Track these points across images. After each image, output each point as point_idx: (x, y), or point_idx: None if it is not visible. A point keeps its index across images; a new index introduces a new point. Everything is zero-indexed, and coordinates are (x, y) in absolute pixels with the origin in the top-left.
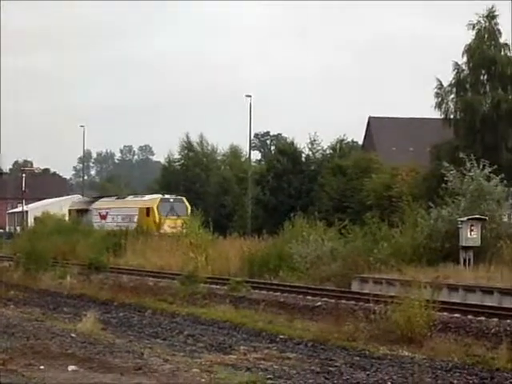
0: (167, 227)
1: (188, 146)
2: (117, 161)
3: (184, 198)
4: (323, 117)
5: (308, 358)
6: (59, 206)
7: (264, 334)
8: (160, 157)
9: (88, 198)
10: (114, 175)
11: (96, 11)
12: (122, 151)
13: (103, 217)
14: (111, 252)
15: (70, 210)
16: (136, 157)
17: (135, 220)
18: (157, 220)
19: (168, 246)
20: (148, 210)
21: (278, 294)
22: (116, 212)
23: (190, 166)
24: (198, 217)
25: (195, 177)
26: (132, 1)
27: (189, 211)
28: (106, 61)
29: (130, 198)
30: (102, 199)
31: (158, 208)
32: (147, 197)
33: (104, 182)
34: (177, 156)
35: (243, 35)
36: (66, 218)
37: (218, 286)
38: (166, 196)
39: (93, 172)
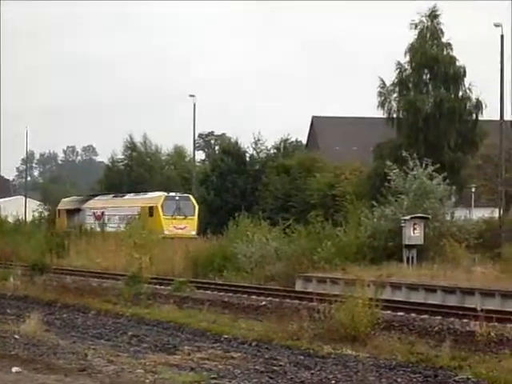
0: (173, 228)
1: (131, 146)
2: (60, 161)
3: (191, 196)
4: (268, 116)
5: (252, 358)
6: (2, 208)
7: (208, 334)
8: (104, 157)
9: (80, 197)
10: (56, 176)
11: (43, 11)
12: (65, 152)
13: (98, 217)
14: (54, 253)
15: (59, 210)
16: (79, 157)
17: (136, 220)
18: (161, 220)
19: (112, 247)
20: (151, 210)
21: (223, 293)
22: (113, 212)
23: (134, 166)
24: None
25: (139, 177)
26: (80, 1)
27: (196, 210)
28: (49, 61)
29: (129, 196)
30: (97, 198)
31: (162, 207)
32: (150, 194)
33: (47, 183)
34: (120, 156)
35: (191, 35)
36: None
37: (162, 287)
38: (171, 194)
39: (36, 173)
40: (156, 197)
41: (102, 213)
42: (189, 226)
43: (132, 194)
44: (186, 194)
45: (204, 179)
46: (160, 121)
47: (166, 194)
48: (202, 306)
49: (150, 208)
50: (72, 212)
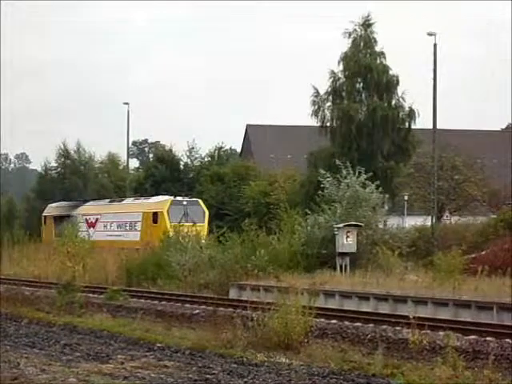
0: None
1: (65, 154)
2: None
3: (200, 201)
4: (202, 124)
5: (186, 366)
6: None
7: (141, 343)
8: (37, 165)
9: (70, 202)
10: None
11: None
12: None
13: (91, 224)
14: None
15: (45, 217)
16: (12, 165)
17: (138, 228)
18: (168, 228)
19: (45, 255)
20: (155, 216)
21: (156, 302)
22: (110, 218)
23: (67, 174)
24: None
25: (72, 185)
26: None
27: (206, 216)
28: None
29: (128, 200)
30: (90, 203)
31: (168, 212)
32: (153, 199)
33: None
34: (53, 164)
35: (127, 41)
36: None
37: (95, 295)
38: (178, 198)
39: None
40: (161, 201)
41: (96, 220)
42: (198, 234)
43: (131, 199)
44: (195, 199)
45: (138, 187)
46: (94, 128)
47: (172, 197)
48: (135, 315)
49: (154, 214)
50: (61, 219)
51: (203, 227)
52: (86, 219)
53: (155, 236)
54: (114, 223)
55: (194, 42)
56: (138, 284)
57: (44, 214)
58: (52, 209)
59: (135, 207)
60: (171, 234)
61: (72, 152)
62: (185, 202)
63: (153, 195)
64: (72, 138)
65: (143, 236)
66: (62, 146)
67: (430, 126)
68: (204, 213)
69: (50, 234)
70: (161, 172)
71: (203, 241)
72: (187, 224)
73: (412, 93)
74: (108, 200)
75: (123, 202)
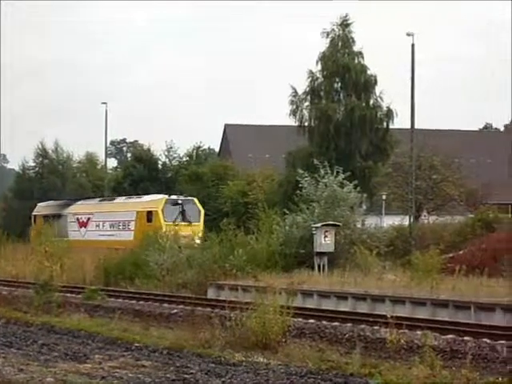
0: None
1: (43, 154)
2: None
3: (195, 199)
4: (180, 124)
5: (163, 366)
6: None
7: (119, 343)
8: (15, 164)
9: (61, 201)
10: None
11: None
12: None
13: (83, 224)
14: None
15: (34, 217)
16: None
17: (132, 227)
18: (162, 227)
19: (22, 255)
20: (150, 215)
21: (134, 301)
22: (102, 218)
23: (45, 174)
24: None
25: (50, 184)
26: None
27: (202, 216)
28: None
29: (120, 199)
30: (81, 202)
31: (163, 212)
32: (147, 197)
33: None
34: (32, 163)
35: (106, 42)
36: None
37: (73, 295)
38: (173, 196)
39: None
40: (155, 200)
41: (88, 219)
42: (193, 234)
43: (124, 198)
44: (190, 197)
45: (116, 186)
46: (72, 128)
47: (166, 196)
48: (113, 315)
49: (149, 213)
50: (51, 218)
51: (199, 226)
52: (78, 218)
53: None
54: (106, 222)
55: (176, 44)
56: (115, 284)
57: (34, 214)
58: (42, 208)
59: (129, 206)
60: (166, 233)
61: (50, 151)
62: (180, 201)
63: (146, 194)
64: (50, 138)
65: (137, 235)
66: (40, 146)
67: (409, 126)
68: (199, 212)
69: (40, 234)
70: (139, 171)
71: (198, 241)
72: (182, 223)
73: (392, 93)
74: (100, 199)
75: (116, 201)
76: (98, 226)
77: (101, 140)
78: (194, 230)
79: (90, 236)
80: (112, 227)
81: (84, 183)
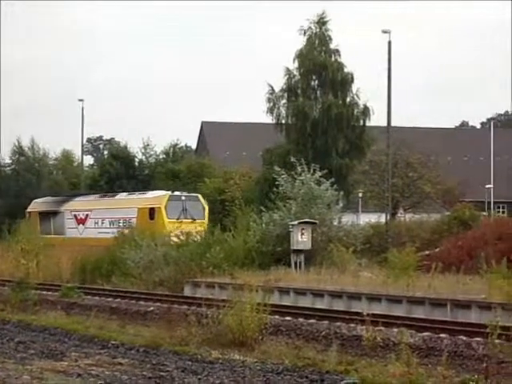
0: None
1: (19, 151)
2: None
3: (200, 196)
4: (158, 121)
5: (140, 364)
6: None
7: (96, 340)
8: None
9: (58, 197)
10: None
11: None
12: None
13: (81, 221)
14: None
15: (29, 213)
16: None
17: (133, 225)
18: (165, 225)
19: None
20: (152, 212)
21: (111, 299)
22: (101, 214)
23: (21, 171)
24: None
25: (26, 182)
26: None
27: (206, 212)
28: None
29: (122, 195)
30: (79, 198)
31: (166, 208)
32: (150, 194)
33: None
34: (7, 161)
35: (84, 38)
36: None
37: (49, 293)
38: (176, 193)
39: None
40: (158, 196)
41: (87, 216)
42: (197, 232)
43: (125, 194)
44: (194, 194)
45: (92, 184)
46: (48, 125)
47: (169, 192)
48: (89, 312)
49: (151, 210)
50: (47, 215)
51: (203, 224)
52: (75, 215)
53: (152, 233)
54: (106, 219)
55: (152, 41)
56: (92, 281)
57: (28, 210)
58: (37, 204)
59: (130, 202)
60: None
61: (26, 149)
62: (183, 197)
63: (149, 190)
64: (26, 135)
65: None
66: (16, 143)
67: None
68: (204, 209)
69: (36, 231)
70: (115, 169)
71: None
72: (186, 220)
73: (369, 90)
74: (99, 194)
75: (116, 197)
76: (96, 223)
77: (77, 137)
78: (198, 227)
79: (88, 234)
80: (112, 224)
81: (60, 180)
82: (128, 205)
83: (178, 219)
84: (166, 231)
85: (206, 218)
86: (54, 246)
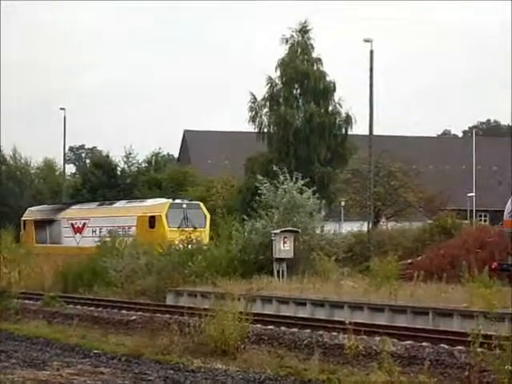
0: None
1: (1, 160)
2: None
3: (201, 204)
4: (140, 130)
5: (122, 373)
6: None
7: (78, 349)
8: None
9: (54, 205)
10: None
11: None
12: None
13: (78, 230)
14: None
15: (24, 222)
16: None
17: (132, 233)
18: (166, 233)
19: None
20: (152, 220)
21: (93, 308)
22: (99, 223)
23: (3, 180)
24: (11, 231)
25: (8, 190)
26: None
27: (208, 221)
28: None
29: (121, 203)
30: (76, 206)
31: (167, 216)
32: (150, 201)
33: None
34: None
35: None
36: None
37: (31, 302)
38: (178, 200)
39: None
40: (158, 204)
41: (84, 224)
42: (199, 240)
43: (124, 202)
44: (195, 201)
45: (74, 193)
46: (30, 133)
47: (171, 200)
48: (71, 321)
49: (151, 218)
50: (43, 223)
51: (205, 232)
52: (72, 224)
53: (152, 242)
54: (103, 228)
55: (132, 48)
56: (74, 290)
57: (23, 219)
58: (32, 212)
59: (129, 210)
60: (170, 239)
61: (8, 157)
62: (184, 205)
63: (148, 197)
64: (8, 143)
65: (138, 240)
66: None
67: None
68: (205, 217)
69: (31, 241)
70: (97, 178)
71: (205, 247)
72: (187, 229)
73: (351, 99)
74: (98, 202)
75: (115, 205)
76: (94, 231)
77: (59, 146)
78: (200, 235)
79: (85, 243)
80: (110, 233)
81: (42, 189)
82: (127, 213)
83: (179, 227)
84: (166, 240)
85: (208, 226)
86: (49, 255)
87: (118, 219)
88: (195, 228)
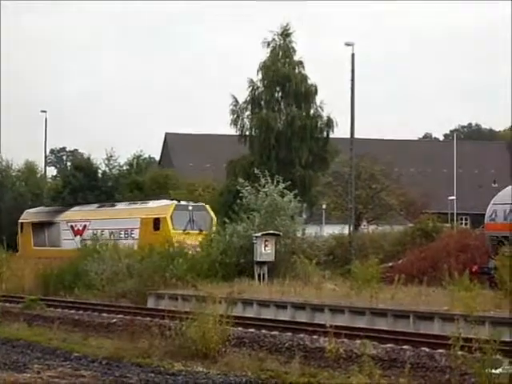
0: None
1: None
2: None
3: (207, 206)
4: (121, 132)
5: (102, 376)
6: None
7: (58, 352)
8: None
9: (52, 207)
10: None
11: None
12: None
13: (78, 232)
14: None
15: (21, 224)
16: None
17: (135, 236)
18: (171, 236)
19: None
20: (157, 222)
21: (73, 311)
22: (100, 225)
23: None
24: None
25: None
26: None
27: (214, 223)
28: None
29: (122, 205)
30: (76, 208)
31: (172, 219)
32: (153, 203)
33: None
34: None
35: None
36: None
37: (12, 304)
38: (183, 202)
39: None
40: (163, 206)
41: (84, 226)
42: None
43: (126, 203)
44: (200, 203)
45: (55, 195)
46: (11, 136)
47: (176, 202)
48: (52, 324)
49: (156, 220)
50: (41, 226)
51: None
52: (72, 226)
53: (156, 243)
54: (105, 231)
55: (116, 51)
56: (54, 293)
57: (20, 221)
58: (30, 215)
59: (132, 212)
60: (175, 242)
61: None
62: (190, 207)
63: (151, 199)
64: None
65: (142, 245)
66: None
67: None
68: (211, 219)
69: (29, 244)
70: (78, 180)
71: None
72: (193, 232)
73: (332, 102)
74: (98, 204)
75: (117, 207)
76: (95, 234)
77: (40, 148)
78: (205, 238)
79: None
80: (112, 236)
81: (23, 192)
82: (130, 215)
83: (184, 230)
84: (171, 242)
85: (214, 229)
86: (47, 259)
87: (120, 221)
88: (201, 231)
